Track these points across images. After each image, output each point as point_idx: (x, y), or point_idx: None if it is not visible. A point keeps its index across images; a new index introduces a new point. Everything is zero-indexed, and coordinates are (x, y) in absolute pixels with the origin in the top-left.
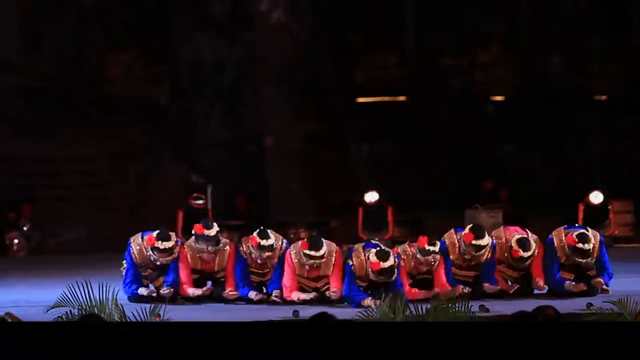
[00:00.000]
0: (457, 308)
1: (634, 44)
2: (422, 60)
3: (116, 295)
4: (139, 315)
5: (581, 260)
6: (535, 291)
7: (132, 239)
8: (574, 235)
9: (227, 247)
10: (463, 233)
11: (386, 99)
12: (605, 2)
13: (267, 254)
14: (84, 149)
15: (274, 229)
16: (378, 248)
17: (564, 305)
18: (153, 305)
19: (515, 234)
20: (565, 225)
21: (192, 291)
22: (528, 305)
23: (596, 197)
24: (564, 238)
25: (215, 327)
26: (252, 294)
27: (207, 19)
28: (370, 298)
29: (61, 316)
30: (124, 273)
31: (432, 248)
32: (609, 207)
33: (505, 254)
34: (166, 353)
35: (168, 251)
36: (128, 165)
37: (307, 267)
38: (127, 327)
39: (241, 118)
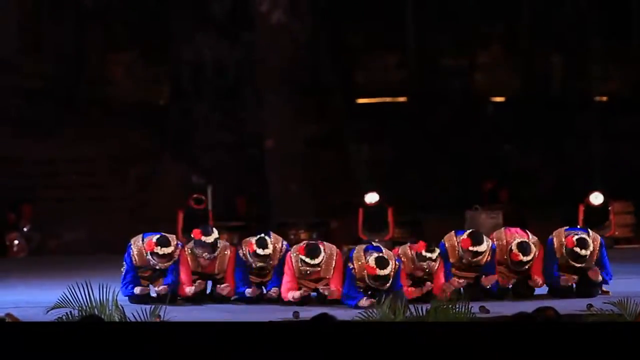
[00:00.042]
0: (457, 309)
1: (635, 46)
2: (422, 60)
3: (116, 296)
4: (139, 316)
5: (575, 264)
6: (536, 291)
7: (132, 241)
8: (574, 239)
9: (228, 252)
10: (461, 238)
11: (386, 99)
12: (606, 3)
13: (260, 264)
14: (84, 150)
15: (274, 230)
16: (379, 254)
17: (564, 307)
18: (153, 306)
19: (516, 236)
20: (567, 227)
21: (188, 290)
22: (528, 306)
23: (596, 198)
24: (563, 239)
25: (215, 327)
26: (248, 291)
27: (207, 19)
28: (365, 298)
29: (61, 317)
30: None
31: (428, 255)
32: (609, 208)
33: (505, 256)
34: (166, 353)
35: (167, 257)
36: (128, 166)
37: (307, 270)
38: (127, 327)
39: (241, 118)
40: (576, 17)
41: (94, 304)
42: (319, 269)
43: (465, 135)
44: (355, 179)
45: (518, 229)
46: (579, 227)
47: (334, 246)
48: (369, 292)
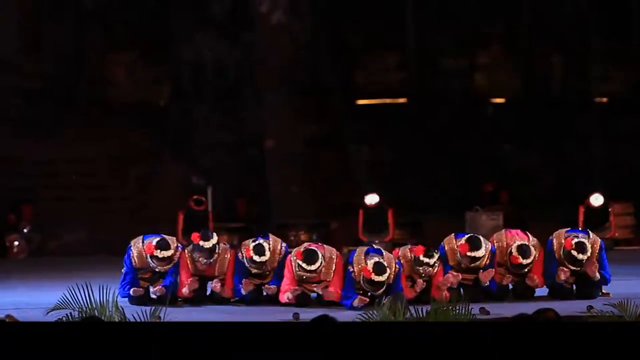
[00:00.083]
0: (457, 311)
1: (635, 46)
2: (422, 61)
3: (116, 297)
4: (140, 318)
5: (571, 267)
6: (536, 293)
7: (132, 242)
8: (572, 242)
9: (228, 255)
10: (459, 243)
11: (386, 100)
12: (606, 3)
13: (255, 271)
14: (84, 150)
15: (274, 231)
16: (379, 260)
17: (564, 308)
18: (153, 307)
19: (517, 238)
20: (568, 229)
21: (185, 289)
22: (528, 307)
23: (596, 200)
24: (563, 241)
25: (215, 327)
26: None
27: (207, 20)
28: (359, 297)
29: (61, 318)
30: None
31: (426, 259)
32: (609, 209)
33: (505, 258)
34: (166, 353)
35: (167, 260)
36: (128, 166)
37: (304, 276)
38: (127, 327)
39: (241, 119)
40: (576, 17)
41: (94, 305)
42: (316, 274)
43: (465, 136)
44: (356, 180)
45: (519, 231)
46: (579, 228)
47: (334, 249)
48: (369, 294)
